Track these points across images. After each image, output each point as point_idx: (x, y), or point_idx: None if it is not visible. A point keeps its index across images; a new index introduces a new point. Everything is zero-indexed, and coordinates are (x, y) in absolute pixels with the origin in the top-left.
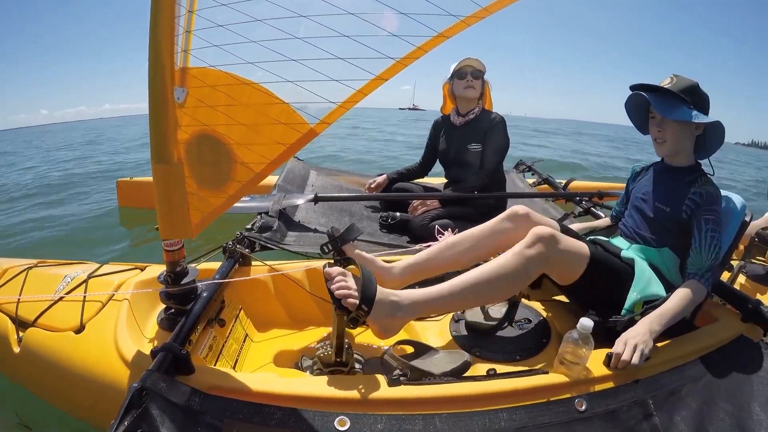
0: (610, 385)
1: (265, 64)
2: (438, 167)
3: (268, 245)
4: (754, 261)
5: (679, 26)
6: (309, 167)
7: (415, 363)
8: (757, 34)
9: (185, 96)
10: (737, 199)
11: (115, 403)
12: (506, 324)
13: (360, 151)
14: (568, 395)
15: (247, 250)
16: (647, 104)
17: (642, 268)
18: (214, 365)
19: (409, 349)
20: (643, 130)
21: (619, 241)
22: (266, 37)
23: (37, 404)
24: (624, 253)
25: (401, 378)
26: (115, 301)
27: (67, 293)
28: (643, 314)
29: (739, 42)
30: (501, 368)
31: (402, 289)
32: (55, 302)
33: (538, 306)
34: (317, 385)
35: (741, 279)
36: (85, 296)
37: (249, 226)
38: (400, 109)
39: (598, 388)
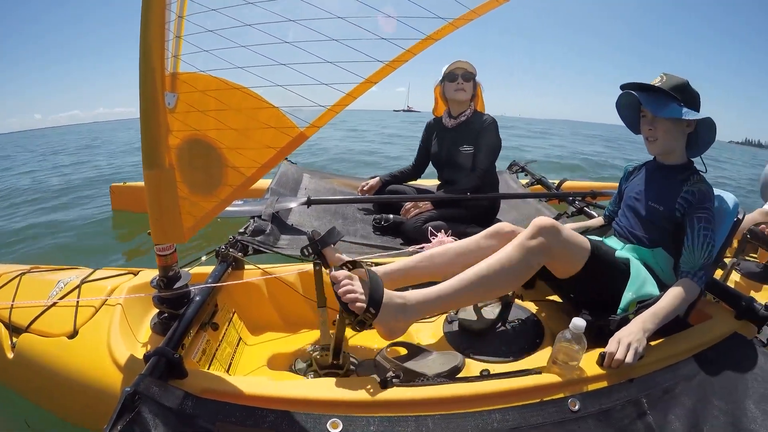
0: (603, 384)
1: (254, 69)
2: (431, 169)
3: (261, 249)
4: (747, 258)
5: (680, 26)
6: (302, 170)
7: (409, 364)
8: (759, 34)
9: (176, 101)
10: (730, 198)
11: (109, 407)
12: (499, 324)
13: (362, 152)
14: (562, 395)
15: (240, 253)
16: (638, 103)
17: (637, 267)
18: (208, 369)
19: (403, 351)
20: (634, 130)
21: (612, 241)
22: (255, 42)
23: (33, 409)
24: (618, 253)
25: (394, 380)
26: (108, 306)
27: (60, 298)
28: (636, 313)
29: (739, 42)
30: (494, 369)
31: None
32: (48, 308)
33: (531, 306)
34: (310, 388)
35: (735, 277)
36: (78, 301)
37: (242, 230)
38: (395, 111)
39: (592, 387)
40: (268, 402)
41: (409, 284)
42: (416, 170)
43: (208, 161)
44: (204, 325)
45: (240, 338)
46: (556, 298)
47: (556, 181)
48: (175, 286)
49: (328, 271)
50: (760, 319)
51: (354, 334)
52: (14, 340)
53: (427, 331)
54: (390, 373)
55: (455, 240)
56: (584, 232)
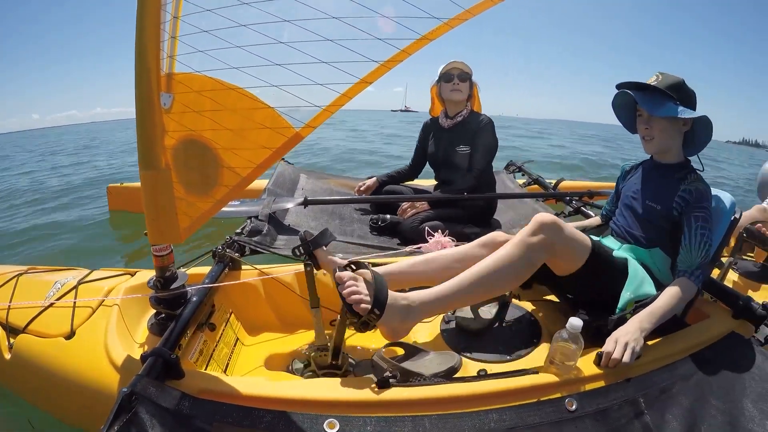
0: (600, 384)
1: (250, 69)
2: (429, 169)
3: (258, 249)
4: (745, 257)
5: (676, 26)
6: (299, 171)
7: (406, 365)
8: (755, 34)
9: (171, 101)
10: (726, 197)
11: (106, 407)
12: (497, 324)
13: (364, 152)
14: (559, 395)
15: (237, 254)
16: (634, 103)
17: (635, 267)
18: (205, 369)
19: (400, 351)
20: (631, 129)
21: (609, 241)
22: (251, 42)
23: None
24: (616, 253)
25: (391, 380)
26: (105, 306)
27: (58, 299)
28: (633, 313)
29: (736, 42)
30: (491, 368)
31: None
32: (46, 308)
33: (528, 306)
34: (306, 388)
35: (733, 277)
36: (75, 302)
37: (239, 231)
38: (392, 111)
39: (589, 387)
40: (265, 402)
41: (404, 287)
42: (413, 170)
43: (203, 162)
44: (201, 325)
45: (237, 339)
46: (553, 297)
47: (553, 181)
48: (172, 287)
49: (330, 272)
50: (758, 318)
51: (351, 334)
52: (11, 340)
53: (424, 331)
54: (387, 373)
55: (452, 240)
56: (581, 231)
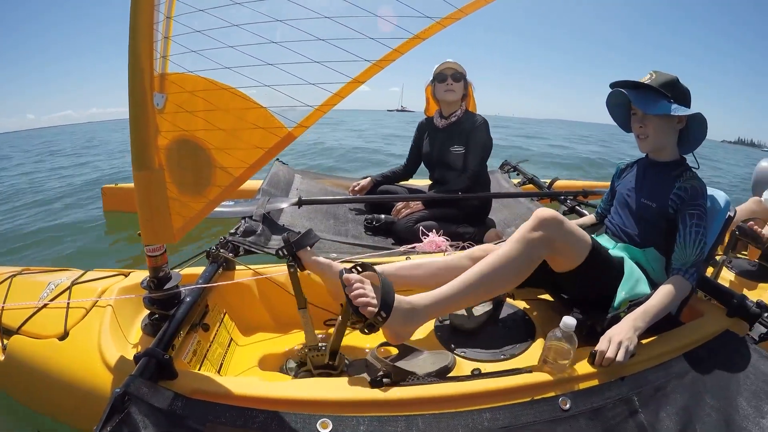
0: (594, 383)
1: (242, 69)
2: (423, 169)
3: (252, 249)
4: (738, 256)
5: (672, 26)
6: (293, 171)
7: (399, 364)
8: (752, 34)
9: (164, 102)
10: (721, 196)
11: (99, 408)
12: (491, 324)
13: (366, 150)
14: (553, 394)
15: (231, 254)
16: (628, 102)
17: (631, 267)
18: (198, 370)
19: (394, 351)
20: (626, 128)
21: (604, 240)
22: (243, 42)
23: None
24: (611, 252)
25: (384, 379)
26: (98, 307)
27: (51, 300)
28: (627, 311)
29: (732, 41)
30: (485, 368)
31: None
32: (39, 309)
33: (522, 305)
34: (300, 388)
35: (729, 276)
36: (68, 303)
37: (233, 231)
38: (389, 111)
39: (583, 386)
40: (258, 402)
41: (399, 290)
42: (408, 170)
43: (196, 162)
44: (195, 325)
45: (231, 339)
46: (547, 296)
47: (548, 181)
48: (166, 287)
49: (315, 273)
50: (752, 316)
51: (346, 334)
52: (5, 342)
53: (418, 331)
54: (380, 373)
55: (447, 240)
56: None
